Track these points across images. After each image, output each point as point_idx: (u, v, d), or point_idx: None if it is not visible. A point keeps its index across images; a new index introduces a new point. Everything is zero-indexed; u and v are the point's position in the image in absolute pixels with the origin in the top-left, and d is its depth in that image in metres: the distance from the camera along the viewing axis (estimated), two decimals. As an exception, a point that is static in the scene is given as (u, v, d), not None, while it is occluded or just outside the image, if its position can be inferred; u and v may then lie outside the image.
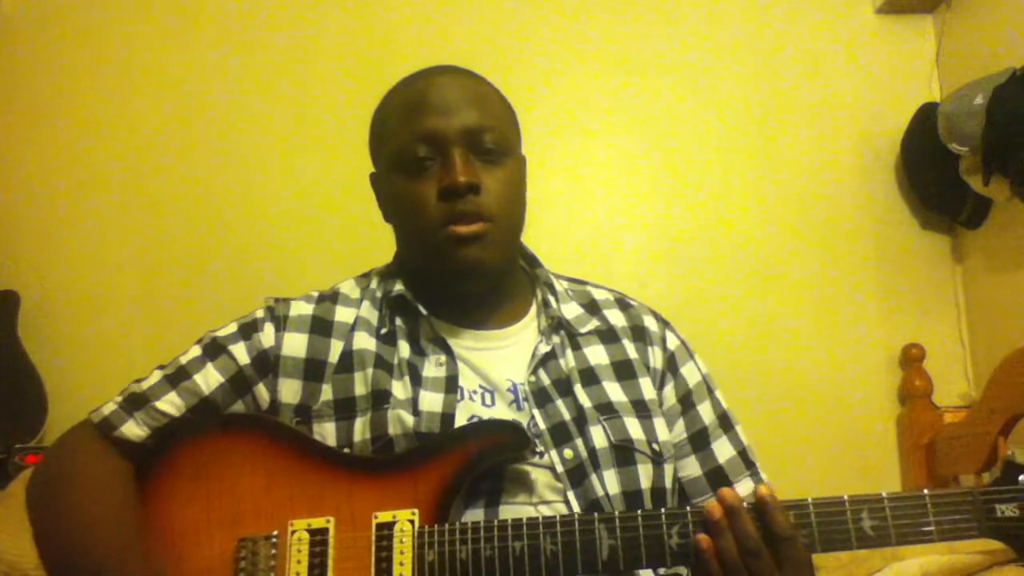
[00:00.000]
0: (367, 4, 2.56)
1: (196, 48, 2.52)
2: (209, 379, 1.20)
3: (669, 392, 1.29)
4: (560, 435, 1.16)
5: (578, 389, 1.21)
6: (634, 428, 1.20)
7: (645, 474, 1.17)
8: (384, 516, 1.05)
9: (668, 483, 1.22)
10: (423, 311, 1.24)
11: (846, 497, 1.00)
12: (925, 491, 1.00)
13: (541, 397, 1.19)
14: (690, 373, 1.32)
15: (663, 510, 1.03)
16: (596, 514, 1.03)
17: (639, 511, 1.03)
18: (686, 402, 1.29)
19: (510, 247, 1.27)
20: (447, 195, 1.17)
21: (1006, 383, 2.01)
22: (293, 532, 1.06)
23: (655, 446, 1.20)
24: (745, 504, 1.00)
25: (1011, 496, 0.99)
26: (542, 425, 1.16)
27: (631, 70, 2.55)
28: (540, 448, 1.14)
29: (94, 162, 2.45)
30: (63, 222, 2.42)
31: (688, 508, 1.03)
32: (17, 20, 2.50)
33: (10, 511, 1.81)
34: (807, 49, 2.58)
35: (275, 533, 1.07)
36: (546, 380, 1.21)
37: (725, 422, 1.30)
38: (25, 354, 2.23)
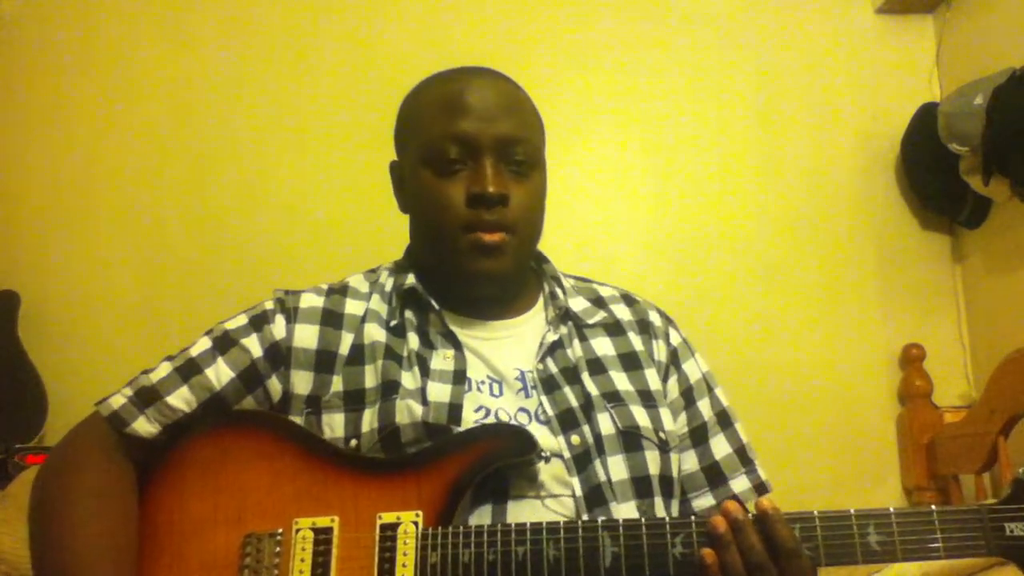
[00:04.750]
0: (368, 3, 2.56)
1: (196, 48, 2.52)
2: (220, 374, 1.19)
3: (672, 386, 1.30)
4: (567, 421, 1.16)
5: (585, 377, 1.21)
6: (640, 416, 1.20)
7: (653, 461, 1.18)
8: (388, 517, 1.05)
9: (675, 472, 1.22)
10: (435, 305, 1.24)
11: (853, 511, 1.00)
12: (933, 507, 1.00)
13: (549, 384, 1.20)
14: (692, 369, 1.33)
15: (667, 519, 1.03)
16: (600, 521, 1.03)
17: (643, 519, 1.03)
18: (687, 397, 1.30)
19: (527, 257, 1.29)
20: (476, 202, 1.17)
21: (1006, 383, 2.01)
22: (298, 531, 1.06)
23: (661, 434, 1.21)
24: (750, 516, 1.00)
25: (1021, 515, 0.98)
26: (550, 412, 1.17)
27: (631, 70, 2.55)
28: (546, 453, 1.14)
29: (94, 162, 2.45)
30: (63, 222, 2.41)
31: (693, 518, 1.03)
32: (17, 20, 2.50)
33: (10, 511, 1.81)
34: (807, 49, 2.58)
35: (280, 531, 1.06)
36: (554, 368, 1.22)
37: (724, 419, 1.31)
38: (25, 354, 2.23)
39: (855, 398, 2.42)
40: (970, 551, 0.98)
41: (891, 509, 0.99)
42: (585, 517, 1.09)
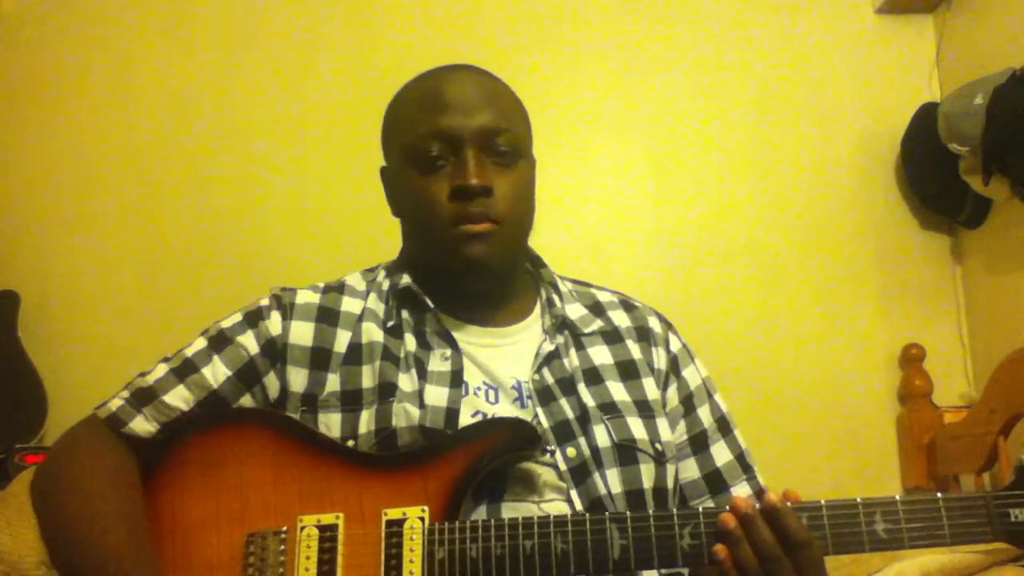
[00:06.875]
0: (368, 5, 2.56)
1: (196, 48, 2.51)
2: (217, 372, 1.19)
3: (672, 393, 1.30)
4: (563, 433, 1.16)
5: (581, 388, 1.21)
6: (637, 428, 1.20)
7: (647, 474, 1.18)
8: (394, 513, 1.05)
9: (670, 484, 1.22)
10: (430, 304, 1.24)
11: (859, 500, 1.00)
12: (939, 494, 1.00)
13: (545, 395, 1.19)
14: (692, 376, 1.33)
15: (675, 511, 1.02)
16: (608, 513, 1.02)
17: (651, 511, 1.03)
18: (688, 404, 1.30)
19: (517, 248, 1.28)
20: (458, 195, 1.17)
21: (1006, 383, 2.01)
22: (303, 528, 1.06)
23: (658, 446, 1.21)
24: (757, 507, 1.00)
25: None
26: (545, 423, 1.17)
27: (631, 69, 2.55)
28: (551, 447, 1.14)
29: (94, 162, 2.45)
30: (63, 222, 2.41)
31: (701, 509, 1.02)
32: (17, 20, 2.50)
33: (10, 511, 1.80)
34: (807, 49, 2.58)
35: (284, 529, 1.06)
36: (550, 379, 1.21)
37: (723, 426, 1.31)
38: (25, 354, 2.22)
39: (855, 398, 2.42)
40: (976, 537, 0.99)
41: (897, 497, 1.00)
42: None
